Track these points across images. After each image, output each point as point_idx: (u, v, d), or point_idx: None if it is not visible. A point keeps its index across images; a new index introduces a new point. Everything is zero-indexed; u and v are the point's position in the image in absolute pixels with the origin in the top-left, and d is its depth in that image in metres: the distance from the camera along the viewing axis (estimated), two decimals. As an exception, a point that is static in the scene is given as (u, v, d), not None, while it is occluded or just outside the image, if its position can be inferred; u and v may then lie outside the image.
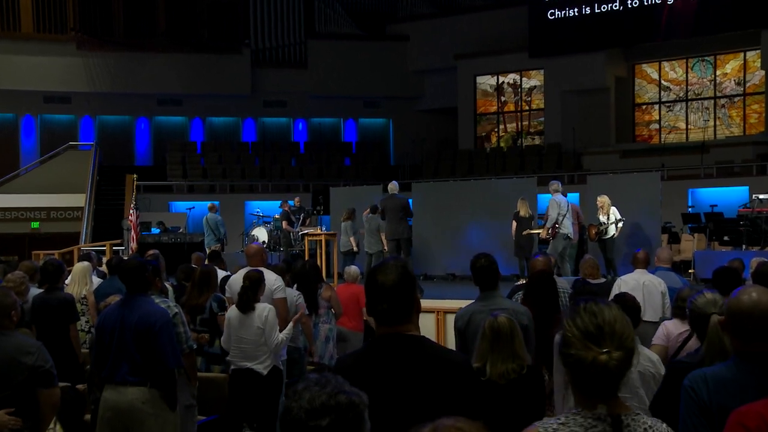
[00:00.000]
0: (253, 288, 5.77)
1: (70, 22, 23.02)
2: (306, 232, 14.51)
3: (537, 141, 23.67)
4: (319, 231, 14.04)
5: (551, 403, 4.24)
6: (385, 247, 12.67)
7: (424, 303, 9.95)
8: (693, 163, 18.55)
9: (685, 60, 21.86)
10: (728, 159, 18.74)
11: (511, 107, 24.24)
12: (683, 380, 2.57)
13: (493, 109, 24.40)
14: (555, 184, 11.86)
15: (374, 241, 13.09)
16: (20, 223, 19.34)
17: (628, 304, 4.26)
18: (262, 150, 24.07)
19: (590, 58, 21.39)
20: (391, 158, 26.04)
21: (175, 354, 4.63)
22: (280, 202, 16.59)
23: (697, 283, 11.59)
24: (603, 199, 12.06)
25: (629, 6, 20.74)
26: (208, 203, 16.08)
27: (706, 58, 21.60)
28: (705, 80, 21.74)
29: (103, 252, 13.54)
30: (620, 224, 12.06)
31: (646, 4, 20.46)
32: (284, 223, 15.67)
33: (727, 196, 17.05)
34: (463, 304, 4.85)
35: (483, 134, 24.58)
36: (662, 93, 22.32)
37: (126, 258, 8.88)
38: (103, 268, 9.14)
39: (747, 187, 16.74)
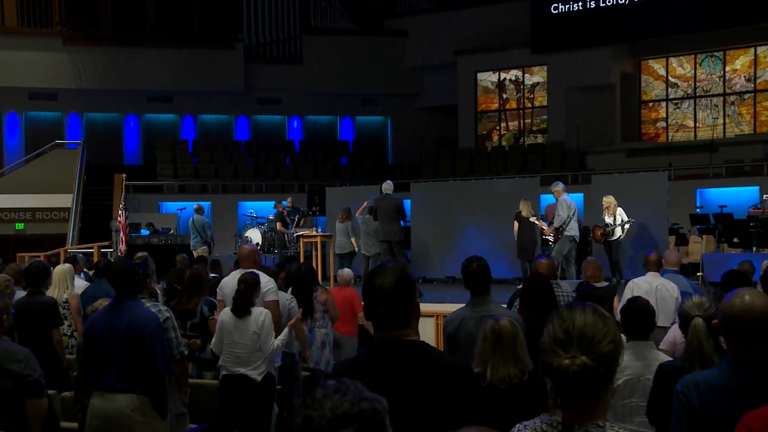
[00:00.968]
0: (248, 291, 5.77)
1: (55, 15, 23.01)
2: (301, 233, 14.51)
3: (540, 139, 23.68)
4: (314, 232, 14.06)
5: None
6: (381, 250, 12.70)
7: (423, 307, 9.93)
8: (701, 162, 18.57)
9: (693, 55, 21.90)
10: (738, 158, 18.76)
11: (513, 105, 24.25)
12: (675, 385, 2.59)
13: (495, 106, 24.42)
14: (560, 185, 11.88)
15: (372, 243, 13.09)
16: (4, 224, 19.35)
17: (641, 308, 4.26)
18: (255, 149, 24.07)
19: (595, 53, 21.42)
20: (389, 157, 26.05)
21: (166, 360, 4.63)
22: (274, 202, 16.61)
23: (706, 287, 11.60)
24: (609, 200, 12.08)
25: None
26: (195, 204, 16.06)
27: (715, 53, 21.63)
28: (714, 76, 21.77)
29: (90, 254, 13.53)
30: (627, 226, 12.08)
31: (652, -3, 20.51)
32: (278, 225, 15.68)
33: (736, 196, 17.07)
34: (461, 306, 4.85)
35: (484, 133, 24.60)
36: (669, 90, 22.35)
37: (114, 260, 8.87)
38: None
39: (757, 187, 16.76)
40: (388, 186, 12.45)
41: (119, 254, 13.46)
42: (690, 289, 7.25)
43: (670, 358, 4.24)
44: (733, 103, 21.66)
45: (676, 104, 22.37)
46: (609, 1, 21.15)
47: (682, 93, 22.27)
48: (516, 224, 12.75)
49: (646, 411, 3.57)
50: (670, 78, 22.30)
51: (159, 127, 24.87)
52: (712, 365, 3.03)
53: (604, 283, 7.21)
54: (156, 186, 21.94)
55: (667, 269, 7.34)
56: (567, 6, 21.75)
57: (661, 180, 13.40)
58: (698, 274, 13.04)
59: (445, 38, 23.76)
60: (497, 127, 24.47)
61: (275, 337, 5.81)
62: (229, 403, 5.75)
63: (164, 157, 23.03)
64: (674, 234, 14.66)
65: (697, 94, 21.99)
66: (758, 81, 21.21)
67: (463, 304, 4.79)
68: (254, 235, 16.76)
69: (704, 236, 14.54)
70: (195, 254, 14.66)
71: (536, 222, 12.29)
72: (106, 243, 14.86)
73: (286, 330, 5.99)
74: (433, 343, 9.44)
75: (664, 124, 22.47)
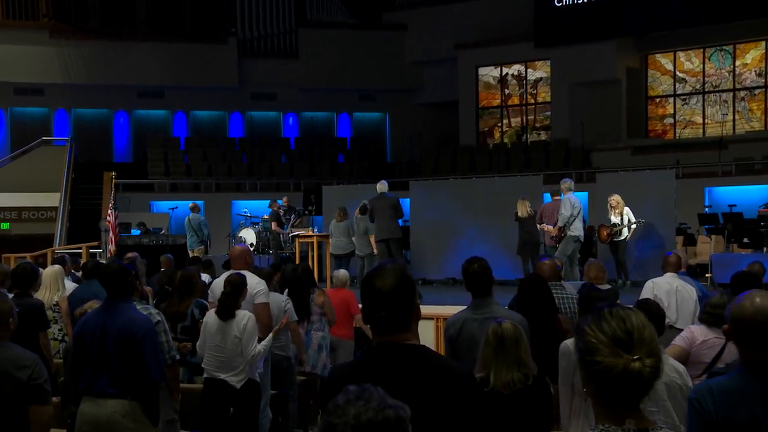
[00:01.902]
0: (234, 294, 5.74)
1: (42, 8, 22.98)
2: (297, 233, 14.51)
3: (543, 137, 23.69)
4: (310, 232, 14.06)
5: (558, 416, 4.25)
6: (375, 250, 12.73)
7: (424, 309, 9.90)
8: (710, 159, 18.57)
9: (701, 49, 21.90)
10: (748, 155, 18.77)
11: (516, 101, 24.25)
12: (690, 393, 2.59)
13: (497, 102, 24.42)
14: (567, 182, 11.89)
15: (364, 243, 13.11)
16: (-11, 224, 19.32)
17: (652, 310, 4.26)
18: (249, 146, 24.06)
19: (600, 47, 21.42)
20: (387, 155, 26.04)
21: (159, 365, 4.63)
22: (269, 201, 16.59)
23: (714, 288, 11.62)
24: (617, 199, 12.08)
25: (642, -8, 20.80)
26: (191, 203, 16.06)
27: (724, 47, 21.63)
28: (723, 71, 21.78)
29: (79, 255, 13.52)
30: (633, 226, 12.08)
31: (659, -10, 20.52)
32: (273, 224, 15.67)
33: (746, 195, 17.08)
34: (462, 309, 4.85)
35: (485, 129, 24.60)
36: (677, 85, 22.37)
37: (104, 261, 8.87)
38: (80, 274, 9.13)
39: (768, 186, 16.80)
40: (382, 185, 12.46)
41: (109, 255, 13.45)
42: (698, 291, 7.26)
43: (681, 365, 4.23)
44: (743, 98, 21.66)
45: (684, 100, 22.38)
46: (615, -6, 21.17)
47: (690, 88, 22.28)
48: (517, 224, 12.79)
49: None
50: (677, 73, 22.31)
51: (150, 124, 24.85)
52: None
53: (607, 286, 7.21)
54: (147, 184, 21.92)
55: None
56: (571, -2, 21.77)
57: (669, 178, 13.41)
58: (707, 275, 13.04)
59: (445, 32, 23.75)
60: (499, 124, 24.47)
61: (262, 340, 5.78)
62: (211, 408, 5.73)
63: (155, 155, 23.01)
64: (682, 234, 14.67)
65: (706, 90, 22.00)
66: (769, 76, 21.23)
67: (464, 307, 4.79)
68: (248, 236, 16.76)
69: (713, 236, 14.54)
70: (191, 254, 14.67)
71: (544, 228, 12.30)
72: (95, 243, 14.85)
73: (270, 336, 5.95)
74: (433, 347, 9.44)
75: (671, 120, 22.48)
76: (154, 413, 4.59)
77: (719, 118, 21.74)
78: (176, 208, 19.17)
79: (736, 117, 21.63)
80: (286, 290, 7.26)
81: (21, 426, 3.78)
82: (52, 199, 18.98)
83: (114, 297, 4.66)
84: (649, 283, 7.06)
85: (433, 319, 9.39)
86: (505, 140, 24.11)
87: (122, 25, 23.68)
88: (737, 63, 21.55)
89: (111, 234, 14.20)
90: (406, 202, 13.89)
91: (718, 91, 21.88)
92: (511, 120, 24.40)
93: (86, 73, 23.14)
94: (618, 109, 22.14)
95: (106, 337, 4.51)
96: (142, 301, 5.51)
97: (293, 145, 24.70)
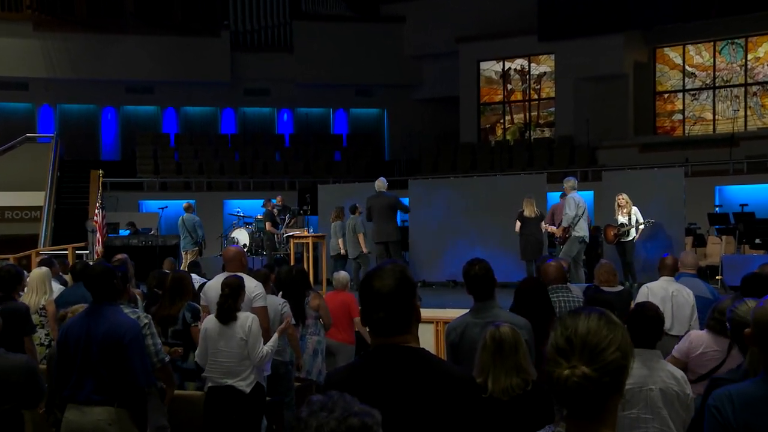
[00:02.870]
0: (233, 295, 5.75)
1: (26, -1, 22.99)
2: (291, 234, 14.50)
3: (547, 133, 23.71)
4: (306, 233, 14.05)
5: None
6: (364, 250, 12.73)
7: (423, 313, 9.90)
8: (721, 157, 18.59)
9: (712, 43, 21.93)
10: (760, 153, 18.78)
11: (519, 96, 24.27)
12: (708, 400, 2.58)
13: (499, 98, 24.43)
14: (571, 181, 11.90)
15: (355, 245, 13.14)
16: (-29, 224, 19.30)
17: (649, 314, 4.26)
18: (242, 143, 24.06)
19: (606, 41, 21.43)
20: (385, 152, 26.05)
21: (146, 370, 4.63)
22: (262, 201, 16.58)
23: (725, 291, 11.63)
24: (625, 198, 12.09)
25: (650, -17, 20.82)
26: (184, 202, 16.06)
27: (736, 40, 21.66)
28: (735, 65, 21.80)
29: (64, 256, 13.51)
30: (642, 227, 12.07)
31: (668, -19, 20.54)
32: (267, 225, 15.67)
33: (758, 194, 17.11)
34: (464, 313, 4.85)
35: (487, 126, 24.62)
36: (687, 80, 22.39)
37: (91, 263, 8.86)
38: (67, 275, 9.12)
39: (781, 185, 16.82)
40: (381, 183, 12.46)
41: (96, 256, 13.45)
42: (708, 294, 7.25)
43: (680, 370, 4.24)
44: (755, 93, 21.69)
45: (694, 95, 22.40)
46: (622, -15, 21.18)
47: (700, 83, 22.30)
48: (518, 224, 12.78)
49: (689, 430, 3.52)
50: (687, 67, 22.33)
51: (139, 120, 24.84)
52: None
53: (619, 288, 7.20)
54: (135, 183, 21.92)
55: (683, 272, 7.34)
56: (576, -10, 21.78)
57: (678, 177, 13.41)
58: (717, 277, 13.06)
59: (445, 24, 23.76)
60: (501, 121, 24.49)
61: (264, 344, 5.80)
62: (215, 417, 5.73)
63: (144, 152, 23.00)
64: (691, 234, 14.68)
65: (717, 85, 22.02)
66: (781, 70, 21.26)
67: (466, 310, 4.79)
68: (241, 236, 16.76)
69: (724, 237, 14.56)
70: (184, 256, 14.68)
71: (548, 228, 12.30)
72: (82, 244, 14.85)
73: (275, 336, 5.97)
74: (433, 351, 9.43)
75: (680, 116, 22.50)
76: (141, 420, 4.59)
77: (730, 114, 21.76)
78: (166, 207, 19.14)
79: (748, 113, 21.65)
80: (280, 293, 7.26)
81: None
82: (37, 199, 18.97)
83: (99, 300, 4.66)
84: (643, 289, 7.03)
85: (433, 322, 9.39)
86: (508, 137, 24.12)
87: (110, 17, 23.66)
88: (749, 57, 21.57)
89: (98, 235, 14.17)
90: (405, 201, 13.89)
91: (730, 86, 21.90)
92: (514, 116, 24.41)
93: (72, 67, 23.12)
94: (625, 104, 22.16)
95: (90, 342, 4.51)
96: (130, 304, 5.51)
97: (288, 143, 24.70)
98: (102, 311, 4.61)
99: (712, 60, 22.01)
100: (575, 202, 11.55)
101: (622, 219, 12.11)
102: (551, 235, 12.41)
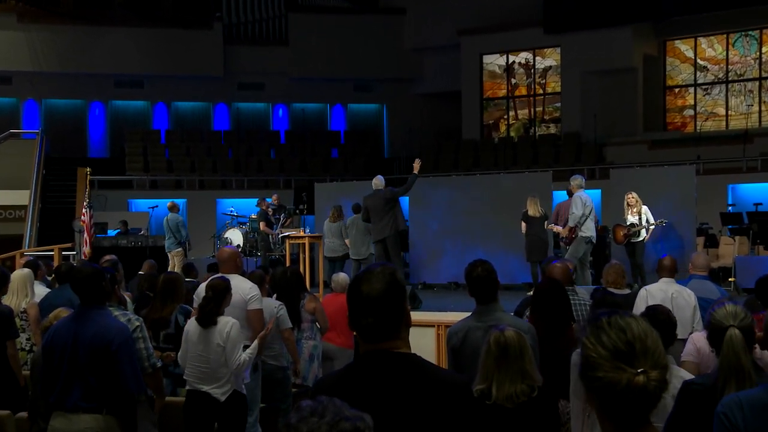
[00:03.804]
0: (216, 299, 5.73)
1: (10, -10, 22.98)
2: (287, 234, 14.51)
3: (552, 130, 23.71)
4: (302, 233, 14.05)
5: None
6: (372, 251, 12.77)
7: (423, 316, 10.00)
8: (734, 154, 18.59)
9: (725, 35, 21.92)
10: (774, 150, 18.82)
11: (523, 91, 24.27)
12: (704, 407, 2.58)
13: (502, 93, 24.43)
14: (578, 179, 11.91)
15: (361, 245, 13.14)
16: (-47, 224, 19.28)
17: (661, 318, 4.26)
18: (236, 140, 24.05)
19: (615, 33, 21.43)
20: (384, 149, 26.05)
21: (136, 376, 4.63)
22: (257, 200, 16.60)
23: (739, 294, 11.64)
24: (635, 197, 12.10)
25: (660, -27, 20.82)
26: (168, 202, 16.06)
27: (750, 32, 21.66)
28: (748, 58, 21.80)
29: (50, 258, 13.51)
30: (652, 227, 12.06)
31: (679, -29, 20.53)
32: (262, 224, 15.67)
33: (773, 192, 17.11)
34: (466, 316, 4.85)
35: (490, 122, 24.62)
36: (698, 74, 22.39)
37: (78, 264, 8.85)
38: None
39: (797, 183, 16.82)
40: (378, 182, 12.47)
41: (83, 257, 13.44)
42: (720, 296, 7.26)
43: (692, 375, 4.24)
44: (769, 88, 21.71)
45: (706, 90, 22.40)
46: (630, -25, 21.18)
47: (713, 77, 22.30)
48: (523, 225, 12.80)
49: None
50: (698, 60, 22.34)
51: (128, 116, 24.83)
52: (751, 383, 3.01)
53: (626, 290, 7.21)
54: (125, 181, 21.91)
55: (694, 274, 7.35)
56: (583, -20, 21.79)
57: (689, 175, 13.43)
58: (730, 279, 13.07)
59: (447, 16, 23.76)
60: (505, 116, 24.49)
61: (245, 350, 5.77)
62: (194, 422, 5.73)
63: (134, 149, 22.99)
64: (703, 235, 14.68)
65: (730, 79, 22.02)
66: (797, 64, 21.27)
67: (468, 313, 4.80)
68: (235, 236, 16.76)
69: (737, 237, 14.56)
70: (170, 256, 14.69)
71: (553, 229, 12.31)
72: (69, 245, 14.83)
73: (255, 343, 5.94)
74: (433, 357, 9.48)
75: (691, 112, 22.50)
76: (131, 428, 4.59)
77: (744, 110, 21.77)
78: (156, 206, 19.17)
79: (762, 108, 21.66)
80: (275, 295, 7.26)
81: None
82: (21, 198, 18.93)
83: (87, 303, 4.65)
84: (642, 292, 7.03)
85: (433, 326, 9.38)
86: (512, 134, 24.12)
87: (97, 8, 23.66)
88: (764, 49, 21.57)
89: (85, 235, 14.16)
90: (405, 201, 13.87)
91: (743, 80, 21.90)
92: (518, 112, 24.41)
93: (58, 60, 23.11)
94: (634, 99, 22.16)
95: (78, 347, 4.50)
96: (119, 307, 5.51)
97: (283, 139, 24.69)
98: (89, 314, 4.61)
99: (724, 53, 22.01)
100: (582, 201, 11.56)
101: (631, 219, 12.11)
102: (557, 235, 12.42)
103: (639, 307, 6.62)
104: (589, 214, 11.58)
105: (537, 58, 23.90)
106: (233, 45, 24.53)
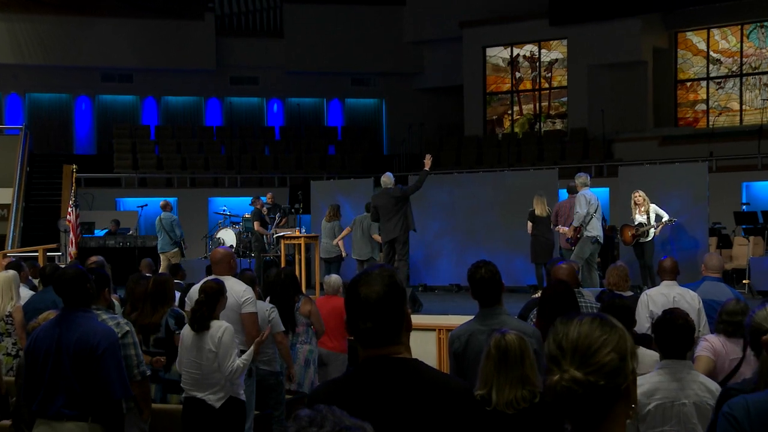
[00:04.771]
0: (209, 302, 5.72)
1: (-8, -21, 22.95)
2: (282, 234, 14.51)
3: (558, 125, 23.72)
4: (297, 233, 14.05)
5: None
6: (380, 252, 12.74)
7: (424, 319, 10.00)
8: (748, 151, 18.59)
9: (739, 26, 21.93)
10: (790, 147, 18.81)
11: (528, 85, 24.27)
12: (723, 406, 2.59)
13: (507, 87, 24.44)
14: (583, 177, 11.91)
15: (365, 245, 13.13)
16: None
17: (678, 322, 4.24)
18: (229, 136, 24.05)
19: (623, 25, 21.44)
20: (383, 146, 26.05)
21: (123, 382, 4.62)
22: (250, 198, 16.58)
23: (753, 297, 11.64)
24: (642, 195, 12.09)
25: (670, -37, 20.83)
26: (161, 200, 16.06)
27: (765, 23, 21.66)
28: (764, 50, 21.81)
29: (35, 259, 13.50)
30: (665, 219, 12.02)
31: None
32: (256, 224, 15.66)
33: (788, 191, 17.13)
34: (469, 319, 4.85)
35: (494, 118, 24.62)
36: (711, 67, 22.40)
37: (63, 265, 8.85)
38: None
39: (813, 181, 16.82)
40: (387, 179, 12.44)
41: (69, 258, 13.45)
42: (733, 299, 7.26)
43: (714, 383, 4.23)
44: (785, 82, 21.73)
45: (719, 84, 22.41)
46: (640, -36, 21.19)
47: (726, 70, 22.31)
48: (529, 224, 12.79)
49: None
50: (711, 53, 22.34)
51: (116, 111, 24.83)
52: None
53: (629, 293, 7.20)
54: (112, 179, 21.90)
55: (707, 276, 7.34)
56: (591, -30, 21.79)
57: (701, 172, 13.41)
58: (744, 281, 13.07)
59: (448, 8, 23.76)
60: (509, 112, 24.50)
61: (240, 356, 5.77)
62: (191, 430, 5.73)
63: (122, 146, 22.98)
64: (716, 235, 14.69)
65: (744, 72, 22.03)
66: (813, 57, 21.28)
67: (471, 317, 4.79)
68: (228, 237, 16.75)
69: (751, 238, 14.57)
70: (162, 258, 14.70)
71: (560, 230, 12.31)
72: (54, 246, 14.82)
73: (251, 349, 5.94)
74: (435, 362, 9.47)
75: (704, 107, 22.51)
76: (118, 437, 4.58)
77: (759, 104, 21.77)
78: (146, 205, 19.17)
79: (777, 103, 21.68)
80: (268, 298, 7.25)
81: None
82: (4, 196, 18.93)
83: (71, 306, 4.64)
84: (643, 297, 7.00)
85: (435, 330, 9.39)
86: (516, 130, 24.13)
87: (85, -1, 23.63)
88: (778, 42, 21.60)
89: (71, 235, 14.17)
90: (401, 191, 13.82)
91: (758, 74, 21.91)
92: (523, 107, 24.42)
93: (43, 53, 23.09)
94: (643, 94, 22.17)
95: (61, 352, 4.49)
96: (108, 310, 5.51)
97: (278, 135, 24.69)
98: (74, 318, 4.59)
99: (738, 45, 22.01)
100: (587, 199, 11.55)
101: (639, 218, 12.09)
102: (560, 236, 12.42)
103: (640, 312, 6.61)
104: (595, 212, 11.56)
105: (542, 50, 23.90)
106: (226, 37, 24.52)
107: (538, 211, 12.70)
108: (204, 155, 23.04)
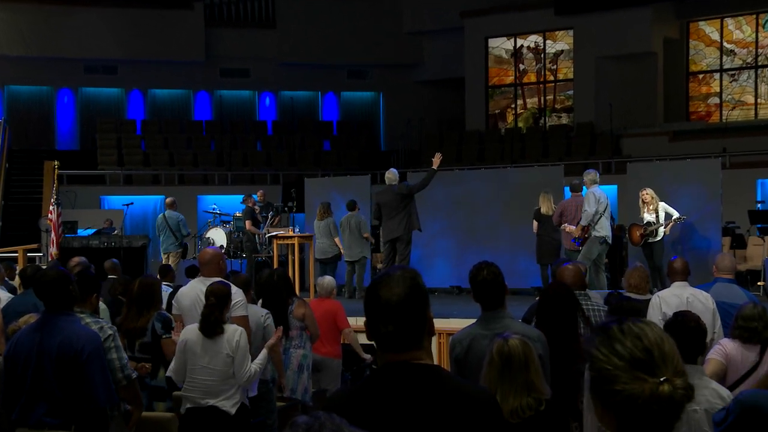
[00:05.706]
0: (220, 306, 5.74)
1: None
2: (275, 234, 14.52)
3: (564, 120, 23.73)
4: (291, 233, 14.06)
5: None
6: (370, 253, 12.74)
7: (423, 324, 9.97)
8: (763, 146, 18.62)
9: (754, 15, 21.93)
10: (807, 142, 18.85)
11: (532, 78, 24.28)
12: (738, 394, 2.60)
13: (510, 80, 24.45)
14: (591, 174, 11.91)
15: (355, 245, 13.11)
16: None
17: (691, 325, 4.27)
18: (219, 131, 24.04)
19: (632, 14, 21.45)
20: (381, 141, 26.06)
21: (108, 388, 4.62)
22: (242, 196, 16.58)
23: None
24: (650, 193, 12.10)
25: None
26: (164, 198, 16.07)
27: (781, 13, 21.69)
28: (779, 42, 21.83)
29: (14, 260, 13.49)
30: (675, 216, 12.01)
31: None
32: (248, 223, 15.66)
33: (805, 189, 17.15)
34: (470, 323, 4.85)
35: (496, 112, 24.63)
36: (724, 58, 22.41)
37: (44, 267, 8.84)
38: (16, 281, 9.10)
39: (832, 178, 16.85)
40: (392, 175, 12.42)
41: (50, 259, 13.43)
42: (745, 301, 7.27)
43: (725, 389, 4.24)
44: (801, 74, 21.76)
45: (733, 76, 22.42)
46: (650, -49, 21.20)
47: (740, 62, 22.32)
48: (535, 224, 12.79)
49: None
50: (725, 43, 22.35)
51: (100, 104, 24.82)
52: None
53: (648, 296, 7.21)
54: (96, 176, 21.90)
55: (719, 277, 7.35)
56: (599, -44, 21.81)
57: (714, 169, 13.41)
58: (759, 283, 13.08)
59: (449, -4, 23.78)
60: (512, 105, 24.51)
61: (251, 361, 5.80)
62: None
63: (106, 141, 22.98)
64: (729, 235, 14.69)
65: (759, 64, 22.04)
66: (831, 48, 21.30)
67: (473, 320, 4.79)
68: (218, 236, 16.75)
69: (766, 237, 14.59)
70: (164, 258, 14.68)
71: (566, 229, 12.31)
72: (34, 246, 14.81)
73: (264, 352, 5.96)
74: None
75: (717, 100, 22.52)
76: (102, 446, 4.58)
77: (773, 98, 21.81)
78: (131, 204, 19.17)
79: (794, 96, 21.71)
80: (260, 301, 7.25)
81: None
82: (-17, 194, 18.95)
83: (53, 310, 4.64)
84: (655, 299, 7.00)
85: (435, 334, 9.38)
86: (520, 124, 24.14)
87: (67, -13, 23.61)
88: (795, 32, 21.62)
89: (53, 235, 14.15)
90: (407, 187, 13.83)
91: (773, 66, 21.94)
92: (527, 100, 24.43)
93: (23, 43, 23.06)
94: (653, 87, 22.18)
95: (43, 357, 4.49)
96: (92, 314, 5.50)
97: (270, 130, 24.69)
98: (56, 322, 4.59)
99: (754, 35, 22.01)
100: (596, 197, 11.55)
101: (648, 217, 12.09)
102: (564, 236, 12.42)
103: (652, 315, 6.62)
104: (604, 211, 11.56)
105: (547, 41, 23.91)
106: (215, 27, 24.51)
107: (544, 210, 12.69)
108: (193, 151, 23.04)
